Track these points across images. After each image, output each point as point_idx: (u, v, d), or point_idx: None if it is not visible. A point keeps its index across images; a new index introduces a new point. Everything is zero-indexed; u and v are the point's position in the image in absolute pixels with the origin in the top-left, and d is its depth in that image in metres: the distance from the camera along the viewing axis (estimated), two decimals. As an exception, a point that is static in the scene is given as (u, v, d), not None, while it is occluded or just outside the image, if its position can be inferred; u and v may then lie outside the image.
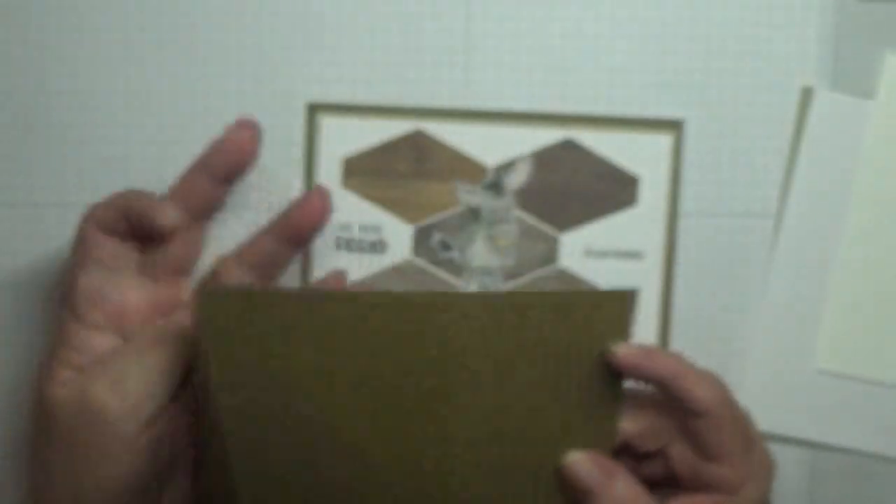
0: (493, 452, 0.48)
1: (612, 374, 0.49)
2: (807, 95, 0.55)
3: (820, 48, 0.55)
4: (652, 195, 0.56)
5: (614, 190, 0.56)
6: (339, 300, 0.46)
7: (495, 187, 0.56)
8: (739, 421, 0.50)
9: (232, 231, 0.54)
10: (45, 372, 0.48)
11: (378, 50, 0.55)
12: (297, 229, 0.52)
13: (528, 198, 0.56)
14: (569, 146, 0.56)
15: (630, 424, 0.50)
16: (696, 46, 0.55)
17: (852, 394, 0.56)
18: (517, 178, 0.56)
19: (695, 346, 0.56)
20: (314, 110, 0.55)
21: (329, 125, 0.56)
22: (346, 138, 0.55)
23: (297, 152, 0.55)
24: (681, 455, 0.50)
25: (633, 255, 0.56)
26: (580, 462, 0.48)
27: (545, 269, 0.56)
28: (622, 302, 0.49)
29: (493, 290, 0.53)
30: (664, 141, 0.56)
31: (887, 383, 0.56)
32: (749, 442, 0.51)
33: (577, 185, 0.56)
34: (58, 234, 0.55)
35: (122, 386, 0.45)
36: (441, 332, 0.46)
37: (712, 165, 0.56)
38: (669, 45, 0.55)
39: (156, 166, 0.55)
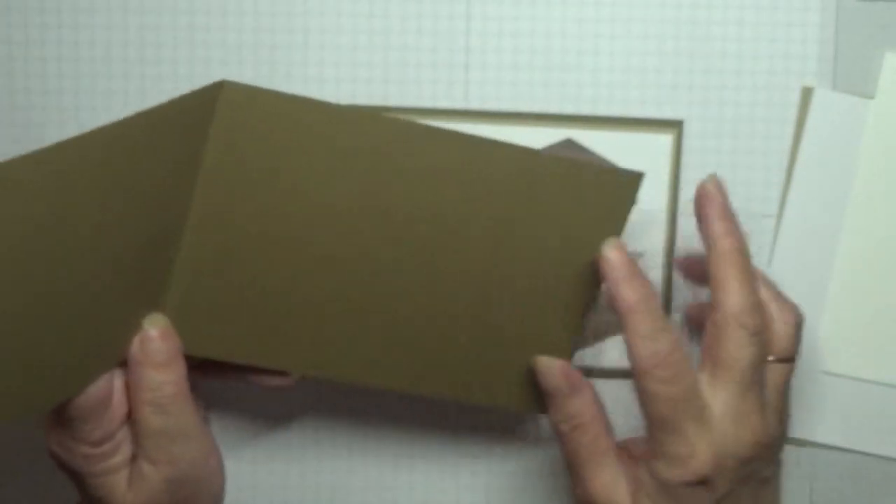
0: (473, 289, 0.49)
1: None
2: (807, 95, 0.55)
3: (820, 48, 0.55)
4: (652, 195, 0.56)
5: (614, 190, 0.56)
6: (352, 114, 0.46)
7: (495, 187, 0.56)
8: (662, 400, 0.46)
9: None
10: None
11: (378, 50, 0.55)
12: None
13: (528, 198, 0.56)
14: (569, 146, 0.56)
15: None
16: (696, 46, 0.55)
17: (852, 394, 0.56)
18: (517, 178, 0.56)
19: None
20: (314, 110, 0.55)
21: (329, 125, 0.55)
22: (345, 138, 0.55)
23: (297, 152, 0.55)
24: None
25: (633, 255, 0.56)
26: (550, 370, 0.50)
27: (545, 269, 0.56)
28: (633, 183, 0.49)
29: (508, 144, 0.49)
30: (664, 141, 0.56)
31: (887, 384, 0.56)
32: (679, 422, 0.46)
33: (577, 185, 0.56)
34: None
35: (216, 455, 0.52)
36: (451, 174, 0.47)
37: (712, 165, 0.56)
38: (669, 45, 0.55)
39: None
